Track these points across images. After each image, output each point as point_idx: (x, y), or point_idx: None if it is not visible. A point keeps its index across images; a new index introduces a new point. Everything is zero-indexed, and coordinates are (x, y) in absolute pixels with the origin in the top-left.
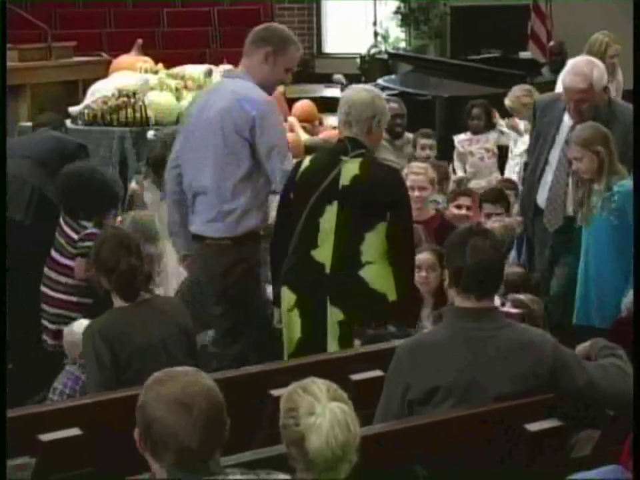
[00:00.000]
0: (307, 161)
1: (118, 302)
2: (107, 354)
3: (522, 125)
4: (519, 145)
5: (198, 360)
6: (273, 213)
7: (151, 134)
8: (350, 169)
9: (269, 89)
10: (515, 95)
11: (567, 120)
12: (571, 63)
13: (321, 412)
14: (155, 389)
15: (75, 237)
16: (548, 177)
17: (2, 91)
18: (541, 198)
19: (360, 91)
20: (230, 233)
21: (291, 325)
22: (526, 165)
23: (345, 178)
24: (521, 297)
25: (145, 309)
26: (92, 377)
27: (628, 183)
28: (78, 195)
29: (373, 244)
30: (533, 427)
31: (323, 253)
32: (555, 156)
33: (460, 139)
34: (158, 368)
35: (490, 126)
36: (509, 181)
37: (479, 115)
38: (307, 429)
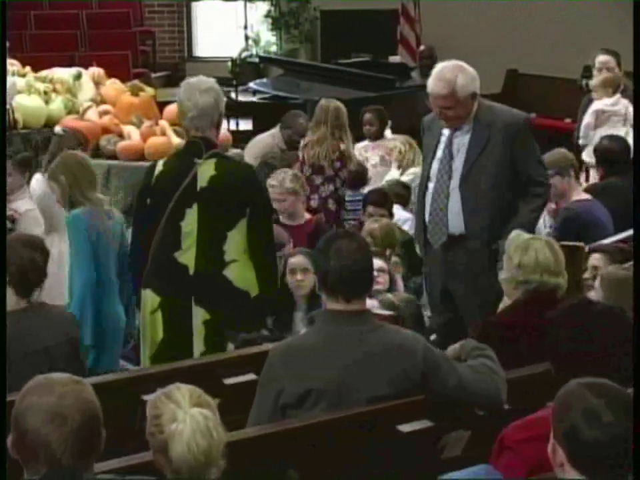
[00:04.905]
0: (160, 165)
1: (12, 300)
2: None
3: None
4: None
5: (83, 372)
6: None
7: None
8: (206, 170)
9: None
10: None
11: (445, 131)
12: (437, 67)
13: (182, 419)
14: (30, 398)
15: None
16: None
17: (2, 91)
18: (427, 214)
19: (202, 93)
20: None
21: (154, 326)
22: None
23: (202, 180)
24: (391, 297)
25: (36, 314)
26: None
27: None
28: None
29: (235, 242)
30: (405, 427)
31: (187, 256)
32: (434, 169)
33: (359, 146)
34: (38, 375)
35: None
36: (401, 184)
37: (370, 120)
38: (170, 436)
